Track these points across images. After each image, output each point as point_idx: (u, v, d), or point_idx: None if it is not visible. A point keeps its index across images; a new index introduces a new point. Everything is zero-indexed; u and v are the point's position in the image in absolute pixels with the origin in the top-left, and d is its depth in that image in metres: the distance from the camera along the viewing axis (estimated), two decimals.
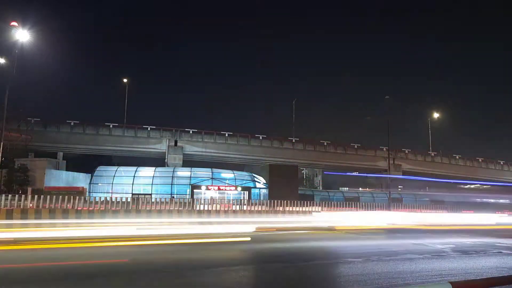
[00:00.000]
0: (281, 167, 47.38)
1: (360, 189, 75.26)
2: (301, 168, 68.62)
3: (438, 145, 67.03)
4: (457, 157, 60.54)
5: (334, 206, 31.84)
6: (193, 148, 48.09)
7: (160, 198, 28.00)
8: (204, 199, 30.31)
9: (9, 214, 20.01)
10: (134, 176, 41.79)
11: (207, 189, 40.96)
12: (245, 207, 28.57)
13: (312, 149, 52.81)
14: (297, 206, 28.53)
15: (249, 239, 14.23)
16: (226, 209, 26.65)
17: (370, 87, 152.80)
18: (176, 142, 47.33)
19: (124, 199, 24.16)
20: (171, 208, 24.39)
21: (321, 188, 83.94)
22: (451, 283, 3.38)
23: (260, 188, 45.02)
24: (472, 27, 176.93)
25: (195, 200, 29.44)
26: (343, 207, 32.31)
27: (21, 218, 19.86)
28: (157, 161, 51.65)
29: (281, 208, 27.36)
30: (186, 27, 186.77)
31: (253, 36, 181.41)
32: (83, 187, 39.91)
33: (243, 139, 50.14)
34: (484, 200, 52.17)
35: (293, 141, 52.75)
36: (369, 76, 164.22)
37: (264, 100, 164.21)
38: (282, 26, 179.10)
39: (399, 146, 57.18)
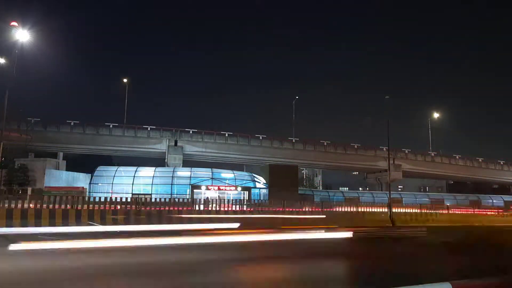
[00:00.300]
0: (281, 167, 47.37)
1: (360, 189, 75.44)
2: (301, 168, 68.58)
3: (438, 145, 66.89)
4: (457, 157, 60.46)
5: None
6: (193, 148, 48.07)
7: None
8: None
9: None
10: (134, 176, 41.78)
11: (207, 189, 40.99)
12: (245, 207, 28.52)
13: (312, 149, 52.76)
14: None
15: None
16: (226, 209, 26.59)
17: (370, 87, 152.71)
18: (176, 142, 47.29)
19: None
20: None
21: (321, 188, 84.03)
22: (451, 283, 3.38)
23: (260, 188, 45.02)
24: (471, 27, 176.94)
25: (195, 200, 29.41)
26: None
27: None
28: (157, 161, 51.66)
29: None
30: (186, 27, 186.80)
31: (256, 38, 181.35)
32: (83, 187, 39.95)
33: (243, 139, 50.11)
34: None
35: (293, 141, 52.70)
36: (369, 76, 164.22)
37: (264, 100, 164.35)
38: (283, 26, 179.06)
39: (399, 146, 57.16)
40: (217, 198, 31.78)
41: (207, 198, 28.16)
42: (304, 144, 52.70)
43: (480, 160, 61.92)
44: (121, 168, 43.85)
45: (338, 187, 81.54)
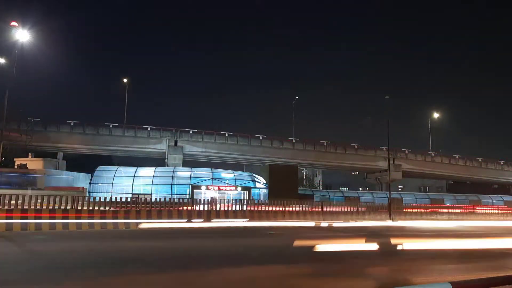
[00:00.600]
0: (281, 167, 47.37)
1: (360, 189, 75.47)
2: (301, 168, 68.61)
3: (438, 145, 66.92)
4: (457, 157, 60.49)
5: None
6: (193, 148, 48.09)
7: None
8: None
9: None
10: (134, 176, 41.76)
11: (207, 189, 40.96)
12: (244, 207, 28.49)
13: (312, 149, 52.80)
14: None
15: None
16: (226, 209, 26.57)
17: (370, 87, 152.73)
18: (176, 142, 47.32)
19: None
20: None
21: (321, 188, 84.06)
22: (451, 283, 3.36)
23: (260, 188, 45.00)
24: (471, 27, 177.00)
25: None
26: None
27: None
28: (157, 161, 51.71)
29: None
30: (186, 27, 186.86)
31: (256, 40, 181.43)
32: (83, 187, 39.90)
33: (243, 139, 50.14)
34: None
35: (293, 141, 52.73)
36: (369, 76, 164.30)
37: (264, 100, 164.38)
38: (282, 27, 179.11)
39: (399, 146, 57.19)
40: (217, 198, 31.77)
41: (211, 198, 28.10)
42: (304, 144, 52.73)
43: (480, 160, 61.94)
44: (121, 168, 43.83)
45: (338, 187, 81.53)
